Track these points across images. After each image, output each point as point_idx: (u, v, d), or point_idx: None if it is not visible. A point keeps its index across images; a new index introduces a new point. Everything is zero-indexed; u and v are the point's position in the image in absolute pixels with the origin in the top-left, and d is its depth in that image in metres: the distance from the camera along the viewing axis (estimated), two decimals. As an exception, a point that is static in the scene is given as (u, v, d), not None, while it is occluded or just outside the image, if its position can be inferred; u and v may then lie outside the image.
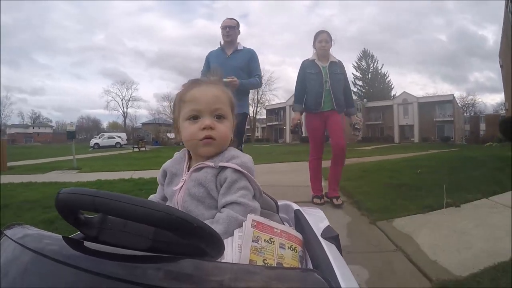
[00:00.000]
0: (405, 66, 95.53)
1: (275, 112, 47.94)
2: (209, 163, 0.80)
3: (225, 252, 0.55)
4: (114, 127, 68.05)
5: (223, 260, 0.57)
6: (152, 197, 0.95)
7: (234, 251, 0.63)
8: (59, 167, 8.66)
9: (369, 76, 54.52)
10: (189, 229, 0.44)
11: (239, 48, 3.05)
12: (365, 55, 55.06)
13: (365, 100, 47.07)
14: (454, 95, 40.97)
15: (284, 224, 0.88)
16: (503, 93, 16.49)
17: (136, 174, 6.36)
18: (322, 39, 3.23)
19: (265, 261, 0.62)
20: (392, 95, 51.83)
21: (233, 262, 0.61)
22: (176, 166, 0.87)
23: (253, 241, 0.64)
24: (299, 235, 0.72)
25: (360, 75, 54.74)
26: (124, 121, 61.36)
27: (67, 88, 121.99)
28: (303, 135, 3.49)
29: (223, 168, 0.78)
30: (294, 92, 3.43)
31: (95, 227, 0.55)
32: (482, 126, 26.37)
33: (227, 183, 0.76)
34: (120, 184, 5.17)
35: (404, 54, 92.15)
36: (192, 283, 0.38)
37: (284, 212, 1.03)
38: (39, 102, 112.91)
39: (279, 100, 48.02)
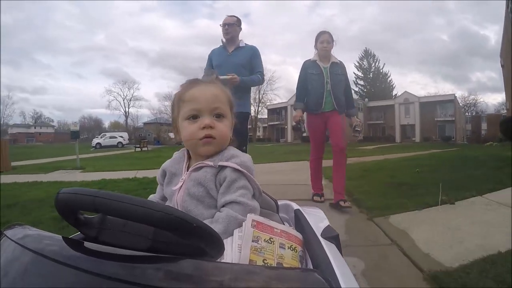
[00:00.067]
0: (406, 65, 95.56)
1: (276, 112, 47.93)
2: (209, 162, 0.80)
3: (225, 252, 0.54)
4: (115, 126, 68.16)
5: (223, 260, 0.57)
6: (151, 197, 0.96)
7: (234, 251, 0.63)
8: (62, 167, 8.71)
9: (371, 75, 54.49)
10: (189, 229, 0.45)
11: (241, 45, 3.03)
12: (367, 55, 55.05)
13: (366, 99, 47.08)
14: (456, 95, 40.98)
15: (284, 224, 0.88)
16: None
17: (140, 174, 6.42)
18: (324, 40, 3.23)
19: (265, 261, 0.62)
20: (393, 94, 51.79)
21: (233, 262, 0.61)
22: (176, 166, 0.88)
23: (253, 241, 0.64)
24: (299, 235, 0.72)
25: (362, 75, 54.76)
26: (126, 120, 61.57)
27: (69, 88, 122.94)
28: (305, 134, 3.48)
29: (223, 167, 0.78)
30: (295, 92, 3.44)
31: (95, 227, 0.55)
32: (484, 125, 26.36)
33: (226, 182, 0.76)
34: (124, 183, 5.23)
35: (405, 54, 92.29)
36: (192, 283, 0.38)
37: (284, 212, 1.03)
38: (40, 101, 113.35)
39: (281, 99, 48.06)
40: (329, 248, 0.66)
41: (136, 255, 0.43)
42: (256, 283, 0.38)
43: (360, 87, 54.37)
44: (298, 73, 3.44)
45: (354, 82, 53.23)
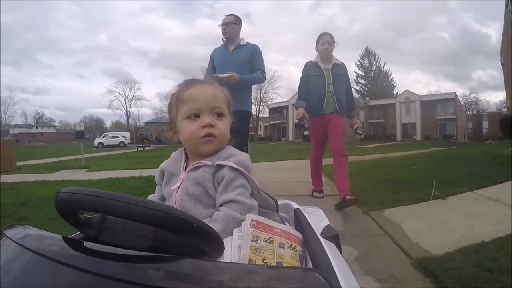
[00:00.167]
0: (407, 64, 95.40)
1: (277, 111, 48.04)
2: (206, 161, 0.80)
3: (224, 252, 0.54)
4: (117, 126, 68.24)
5: (222, 260, 0.57)
6: (151, 197, 0.96)
7: (233, 251, 0.63)
8: (67, 166, 8.80)
9: (372, 74, 54.37)
10: (189, 228, 0.45)
11: (241, 43, 3.02)
12: (368, 54, 54.95)
13: (367, 98, 47.07)
14: (456, 93, 40.95)
15: (284, 223, 0.88)
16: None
17: (144, 172, 6.51)
18: (325, 41, 3.25)
19: (264, 260, 0.62)
20: (394, 93, 51.75)
21: (232, 262, 0.61)
22: (173, 165, 0.88)
23: (252, 240, 0.64)
24: (299, 235, 0.72)
25: (363, 74, 54.64)
26: (127, 120, 61.61)
27: (70, 88, 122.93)
28: (307, 132, 3.52)
29: (221, 166, 0.78)
30: (298, 93, 3.46)
31: (95, 227, 0.56)
32: (485, 124, 26.38)
33: (224, 181, 0.76)
34: (131, 181, 5.33)
35: (406, 53, 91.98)
36: (192, 283, 0.38)
37: (284, 211, 1.03)
38: (42, 102, 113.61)
39: (282, 98, 48.14)
40: (329, 248, 0.66)
41: (136, 255, 0.43)
42: (256, 283, 0.38)
43: (361, 86, 54.35)
44: (299, 73, 3.46)
45: (355, 81, 53.26)
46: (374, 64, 54.58)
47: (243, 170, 0.77)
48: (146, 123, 56.81)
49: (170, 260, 0.42)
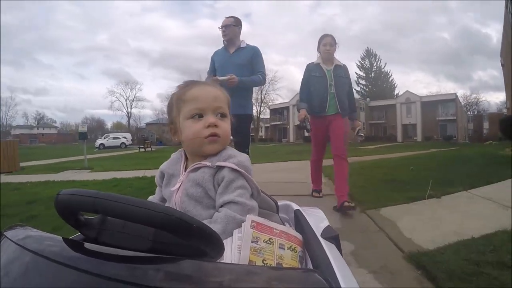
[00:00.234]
0: (408, 64, 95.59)
1: (278, 112, 48.08)
2: (206, 163, 0.80)
3: (224, 253, 0.54)
4: (118, 127, 68.29)
5: (222, 261, 0.57)
6: (151, 198, 0.96)
7: (233, 252, 0.63)
8: (71, 167, 8.86)
9: (372, 75, 54.50)
10: (189, 229, 0.45)
11: (242, 45, 3.02)
12: (369, 54, 55.10)
13: (368, 99, 47.15)
14: (457, 94, 41.00)
15: (284, 224, 0.89)
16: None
17: (148, 173, 6.57)
18: (327, 43, 3.25)
19: (264, 261, 0.62)
20: (395, 94, 51.85)
21: (232, 263, 0.61)
22: (173, 167, 0.88)
23: (252, 241, 0.64)
24: (299, 235, 0.72)
25: (363, 74, 54.79)
26: (128, 121, 61.89)
27: (71, 89, 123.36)
28: (308, 134, 3.49)
29: (220, 167, 0.78)
30: (299, 94, 3.45)
31: (95, 228, 0.55)
32: (486, 124, 26.43)
33: (224, 182, 0.76)
34: (136, 181, 5.41)
35: (407, 53, 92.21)
36: (192, 284, 0.38)
37: (284, 212, 1.03)
38: (43, 102, 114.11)
39: (283, 99, 48.26)
40: (329, 249, 0.66)
41: (136, 256, 0.44)
42: (256, 284, 0.38)
43: (362, 87, 54.46)
44: (300, 73, 3.46)
45: (356, 81, 53.29)
46: (374, 64, 54.80)
47: (243, 171, 0.78)
48: (147, 124, 56.86)
49: (170, 261, 0.42)
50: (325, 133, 3.35)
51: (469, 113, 48.89)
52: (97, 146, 33.67)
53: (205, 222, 0.68)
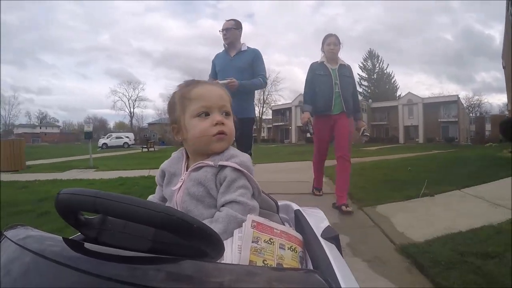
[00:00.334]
0: (410, 66, 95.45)
1: (281, 113, 48.09)
2: (209, 162, 0.80)
3: (225, 253, 0.54)
4: (120, 127, 68.37)
5: (223, 261, 0.57)
6: (151, 198, 0.95)
7: (234, 252, 0.63)
8: (76, 166, 8.98)
9: (375, 76, 54.54)
10: (189, 230, 0.45)
11: (243, 48, 3.00)
12: (371, 56, 55.13)
13: (370, 100, 47.14)
14: (459, 96, 40.88)
15: (284, 225, 0.89)
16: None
17: (153, 172, 6.54)
18: (331, 42, 3.23)
19: (265, 261, 0.62)
20: (397, 95, 51.87)
21: (233, 263, 0.61)
22: (174, 166, 0.88)
23: (253, 241, 0.64)
24: (299, 236, 0.72)
25: (366, 76, 54.81)
26: (131, 121, 61.76)
27: (74, 88, 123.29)
28: (310, 135, 3.43)
29: (223, 167, 0.78)
30: (303, 94, 3.41)
31: (95, 228, 0.55)
32: (488, 126, 26.42)
33: (226, 182, 0.76)
34: (142, 180, 5.48)
35: (410, 54, 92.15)
36: (192, 284, 0.38)
37: (284, 212, 1.03)
38: (45, 102, 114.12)
39: (285, 100, 48.28)
40: (329, 249, 0.67)
41: (137, 256, 0.44)
42: (257, 284, 0.39)
43: (364, 88, 54.45)
44: (303, 74, 3.41)
45: (358, 83, 53.18)
46: (377, 66, 54.83)
47: (245, 171, 0.78)
48: (149, 124, 56.98)
49: (170, 261, 0.42)
50: (330, 132, 3.31)
51: (471, 115, 48.84)
52: (100, 145, 33.77)
53: (206, 221, 0.71)
